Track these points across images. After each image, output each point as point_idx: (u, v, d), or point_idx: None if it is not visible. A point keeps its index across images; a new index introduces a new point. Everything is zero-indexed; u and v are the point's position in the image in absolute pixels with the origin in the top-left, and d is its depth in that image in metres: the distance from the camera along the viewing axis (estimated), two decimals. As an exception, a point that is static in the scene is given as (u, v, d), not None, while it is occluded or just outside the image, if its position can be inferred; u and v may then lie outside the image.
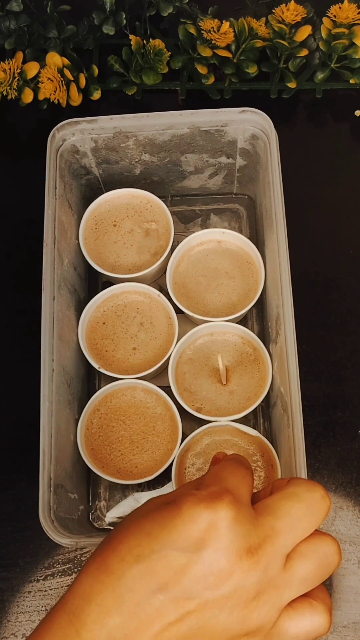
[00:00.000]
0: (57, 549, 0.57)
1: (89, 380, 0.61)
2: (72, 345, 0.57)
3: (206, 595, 0.33)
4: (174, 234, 0.61)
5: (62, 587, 0.56)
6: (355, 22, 0.66)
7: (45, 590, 0.56)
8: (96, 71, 0.70)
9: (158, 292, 0.60)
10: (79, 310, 0.59)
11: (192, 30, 0.67)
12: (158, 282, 0.64)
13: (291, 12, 0.66)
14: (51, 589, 0.56)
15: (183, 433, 0.55)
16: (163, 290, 0.60)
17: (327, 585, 0.55)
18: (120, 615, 0.33)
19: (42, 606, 0.56)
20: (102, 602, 0.34)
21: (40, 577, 0.56)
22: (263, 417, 0.59)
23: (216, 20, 0.66)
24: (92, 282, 0.64)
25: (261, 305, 0.62)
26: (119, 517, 0.57)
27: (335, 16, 0.66)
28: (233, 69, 0.68)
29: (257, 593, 0.34)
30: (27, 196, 0.66)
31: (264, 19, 0.68)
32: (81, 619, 0.34)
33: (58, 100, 0.68)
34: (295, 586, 0.35)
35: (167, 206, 0.62)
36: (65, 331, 0.56)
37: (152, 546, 0.34)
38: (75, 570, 0.57)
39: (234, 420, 0.55)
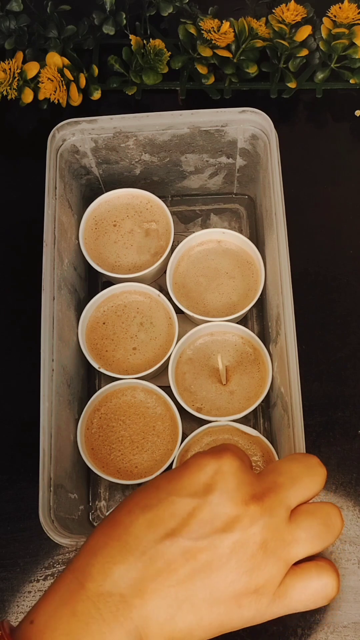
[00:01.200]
0: (57, 549, 0.57)
1: (89, 380, 0.61)
2: (72, 345, 0.57)
3: (214, 540, 0.33)
4: (174, 234, 0.61)
5: (62, 587, 0.56)
6: (356, 22, 0.66)
7: (46, 590, 0.56)
8: (96, 71, 0.70)
9: (158, 292, 0.60)
10: (79, 310, 0.60)
11: (192, 30, 0.67)
12: (158, 282, 0.64)
13: (291, 12, 0.66)
14: (51, 589, 0.56)
15: (183, 433, 0.55)
16: (163, 290, 0.61)
17: (327, 585, 0.55)
18: (125, 563, 0.32)
19: (42, 606, 0.56)
20: (107, 553, 0.33)
21: (40, 577, 0.56)
22: (263, 417, 0.60)
23: (216, 20, 0.66)
24: (92, 282, 0.64)
25: (261, 305, 0.62)
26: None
27: (335, 16, 0.66)
28: (233, 69, 0.68)
29: (263, 541, 0.33)
30: (27, 196, 0.66)
31: (264, 19, 0.68)
32: (85, 572, 0.33)
33: (58, 100, 0.68)
34: (301, 541, 0.35)
35: (167, 206, 0.62)
36: (65, 331, 0.56)
37: (160, 495, 0.34)
38: (75, 570, 0.57)
39: (234, 420, 0.55)
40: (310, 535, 0.35)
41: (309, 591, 0.35)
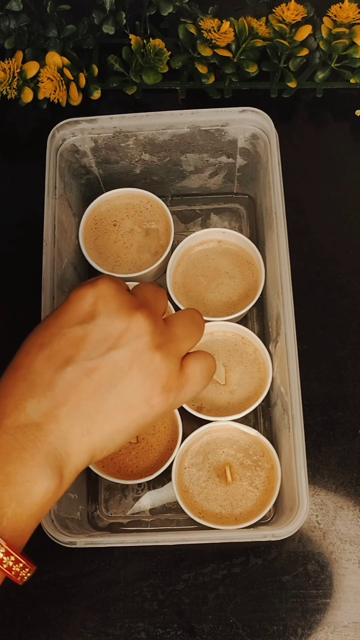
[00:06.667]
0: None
1: (89, 380, 0.61)
2: (72, 345, 0.57)
3: (112, 354, 0.36)
4: (174, 234, 0.61)
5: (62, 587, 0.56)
6: (356, 21, 0.66)
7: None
8: (96, 71, 0.70)
9: (158, 292, 0.60)
10: (79, 310, 0.59)
11: (192, 30, 0.67)
12: (158, 281, 0.64)
13: (291, 12, 0.66)
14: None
15: (183, 433, 0.55)
16: (163, 290, 0.60)
17: (327, 585, 0.55)
18: (35, 397, 0.35)
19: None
20: (17, 393, 0.36)
21: (41, 576, 0.56)
22: (263, 417, 0.59)
23: (216, 20, 0.66)
24: (92, 282, 0.64)
25: (261, 305, 0.62)
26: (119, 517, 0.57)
27: (335, 16, 0.66)
28: (233, 68, 0.68)
29: (156, 344, 0.38)
30: (27, 196, 0.66)
31: (264, 18, 0.68)
32: (0, 413, 0.35)
33: (58, 99, 0.68)
34: (181, 337, 0.40)
35: (167, 206, 0.62)
36: (65, 331, 0.55)
37: (51, 332, 0.37)
38: (75, 570, 0.56)
39: (234, 420, 0.55)
40: (185, 333, 0.41)
41: (202, 371, 0.41)
